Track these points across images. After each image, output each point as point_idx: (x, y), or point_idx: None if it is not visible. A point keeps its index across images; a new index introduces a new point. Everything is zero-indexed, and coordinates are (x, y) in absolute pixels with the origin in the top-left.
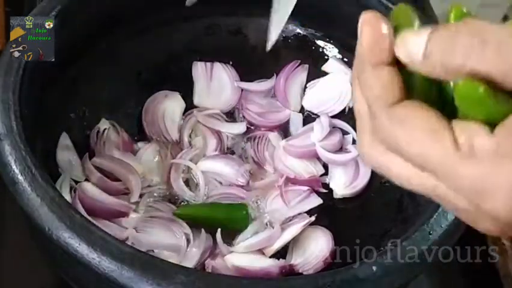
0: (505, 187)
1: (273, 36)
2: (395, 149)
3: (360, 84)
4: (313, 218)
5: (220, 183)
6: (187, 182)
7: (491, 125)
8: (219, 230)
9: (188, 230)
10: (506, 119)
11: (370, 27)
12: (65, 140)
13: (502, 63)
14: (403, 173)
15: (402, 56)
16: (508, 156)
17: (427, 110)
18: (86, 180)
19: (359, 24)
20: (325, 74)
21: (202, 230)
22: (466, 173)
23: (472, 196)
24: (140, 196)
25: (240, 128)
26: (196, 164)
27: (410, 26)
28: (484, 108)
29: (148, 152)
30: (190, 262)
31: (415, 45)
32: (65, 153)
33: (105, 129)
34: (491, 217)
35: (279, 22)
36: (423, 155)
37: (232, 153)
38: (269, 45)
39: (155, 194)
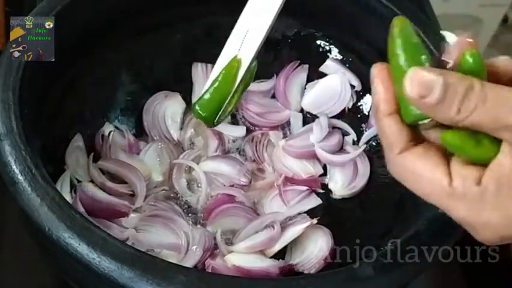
0: (488, 224)
1: None
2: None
3: (378, 129)
4: (315, 221)
5: (222, 184)
6: (189, 182)
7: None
8: (219, 230)
9: (188, 229)
10: (489, 165)
11: (381, 81)
12: (77, 141)
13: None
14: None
15: (409, 93)
16: (489, 202)
17: (428, 158)
18: (91, 181)
19: (372, 76)
20: (325, 74)
21: (203, 229)
22: (460, 210)
23: (465, 226)
24: (145, 198)
25: (240, 131)
26: (197, 164)
27: (411, 39)
28: (467, 153)
29: (149, 152)
30: (190, 262)
31: (426, 88)
32: (75, 153)
33: (110, 131)
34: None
35: None
36: (425, 197)
37: (232, 153)
38: None
39: (157, 195)
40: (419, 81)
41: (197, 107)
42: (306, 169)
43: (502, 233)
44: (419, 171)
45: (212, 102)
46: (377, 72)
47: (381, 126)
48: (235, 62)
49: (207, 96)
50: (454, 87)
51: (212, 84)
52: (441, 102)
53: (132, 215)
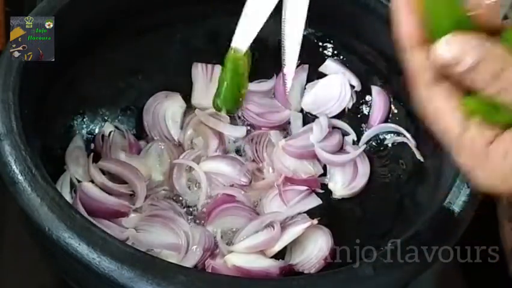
0: (485, 177)
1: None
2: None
3: (405, 61)
4: (315, 221)
5: (222, 184)
6: (189, 182)
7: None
8: (219, 230)
9: (188, 229)
10: (505, 132)
11: (409, 12)
12: (77, 141)
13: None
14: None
15: (440, 55)
16: (489, 166)
17: (453, 98)
18: (91, 181)
19: (397, 6)
20: (325, 74)
21: (203, 229)
22: (462, 157)
23: (464, 168)
24: (145, 198)
25: (241, 131)
26: (198, 164)
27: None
28: (488, 119)
29: (149, 152)
30: (190, 262)
31: (460, 54)
32: (75, 153)
33: (110, 131)
34: None
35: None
36: (440, 135)
37: (232, 153)
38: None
39: (158, 194)
40: (455, 45)
41: (218, 103)
42: (306, 169)
43: (491, 189)
44: (441, 110)
45: (230, 97)
46: (404, 2)
47: (410, 56)
48: (238, 57)
49: (224, 92)
50: (486, 61)
51: (223, 81)
52: (470, 72)
53: (132, 215)
